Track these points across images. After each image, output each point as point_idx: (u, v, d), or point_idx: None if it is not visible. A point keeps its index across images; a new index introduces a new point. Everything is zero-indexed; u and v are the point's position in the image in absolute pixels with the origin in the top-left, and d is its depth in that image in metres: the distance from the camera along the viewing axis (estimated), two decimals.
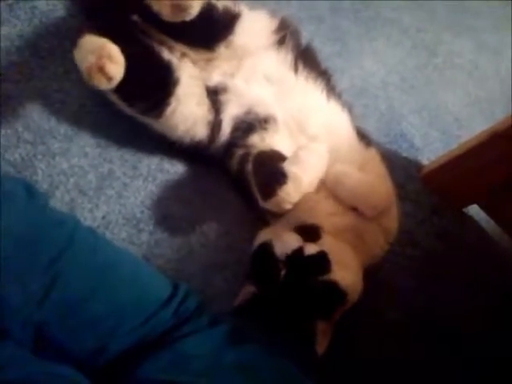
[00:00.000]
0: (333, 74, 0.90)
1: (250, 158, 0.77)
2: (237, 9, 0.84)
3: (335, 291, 0.68)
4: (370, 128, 1.03)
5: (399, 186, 0.99)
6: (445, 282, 0.92)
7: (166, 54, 0.81)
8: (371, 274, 0.76)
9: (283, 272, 0.67)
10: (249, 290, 0.73)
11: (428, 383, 0.82)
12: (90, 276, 0.60)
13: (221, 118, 0.82)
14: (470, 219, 1.01)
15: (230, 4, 0.83)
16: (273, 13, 0.89)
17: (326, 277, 0.67)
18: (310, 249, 0.68)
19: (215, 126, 0.82)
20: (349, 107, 0.87)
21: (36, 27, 0.90)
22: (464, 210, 1.02)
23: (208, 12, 0.78)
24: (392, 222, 0.80)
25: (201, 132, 0.82)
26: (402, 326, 0.85)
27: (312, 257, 0.67)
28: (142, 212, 0.82)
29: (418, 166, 1.03)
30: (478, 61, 1.26)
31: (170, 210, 0.84)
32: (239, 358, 0.62)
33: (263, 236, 0.74)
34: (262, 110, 0.82)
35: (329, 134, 0.81)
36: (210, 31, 0.82)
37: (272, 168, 0.72)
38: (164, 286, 0.68)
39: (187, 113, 0.81)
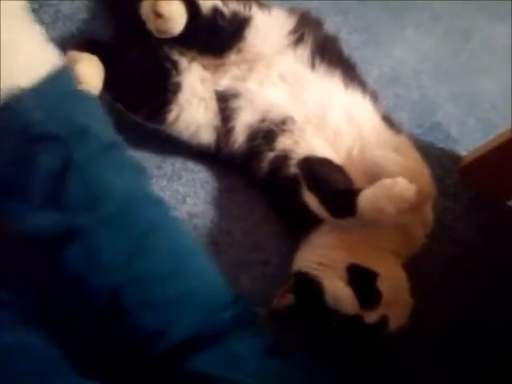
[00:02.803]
0: (360, 64, 0.86)
1: (291, 163, 0.75)
2: (247, 12, 0.78)
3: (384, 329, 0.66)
4: (403, 119, 0.98)
5: (436, 179, 0.93)
6: (487, 280, 0.86)
7: (170, 59, 0.80)
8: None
9: (334, 320, 0.65)
10: (290, 298, 0.70)
11: None
12: (171, 260, 0.60)
13: (232, 125, 0.79)
14: None
15: (239, 8, 0.78)
16: (291, 10, 0.84)
17: (384, 330, 0.66)
18: (370, 318, 0.64)
19: (225, 133, 0.80)
20: (375, 96, 0.82)
21: (60, 30, 0.91)
22: (507, 203, 0.95)
23: (212, 20, 0.75)
24: (429, 212, 0.75)
25: (206, 138, 0.81)
26: (443, 331, 0.80)
27: (372, 325, 0.65)
28: None
29: (455, 157, 0.98)
30: None
31: (195, 209, 0.82)
32: (284, 367, 0.61)
33: (306, 259, 0.71)
34: (276, 114, 0.78)
35: (351, 125, 0.77)
36: (217, 39, 0.78)
37: (338, 183, 0.68)
38: (227, 289, 0.66)
39: (190, 119, 0.79)
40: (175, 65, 0.80)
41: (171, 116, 0.78)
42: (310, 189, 0.69)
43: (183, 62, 0.81)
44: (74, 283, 0.57)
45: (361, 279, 0.66)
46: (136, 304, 0.57)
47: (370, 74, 0.90)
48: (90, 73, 0.71)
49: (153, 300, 0.58)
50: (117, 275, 0.56)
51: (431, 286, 0.81)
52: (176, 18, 0.72)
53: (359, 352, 0.69)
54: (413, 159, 0.74)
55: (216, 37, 0.78)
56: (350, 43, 0.88)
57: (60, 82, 0.55)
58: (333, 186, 0.67)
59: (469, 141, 1.00)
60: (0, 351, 0.51)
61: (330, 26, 0.89)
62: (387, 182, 0.63)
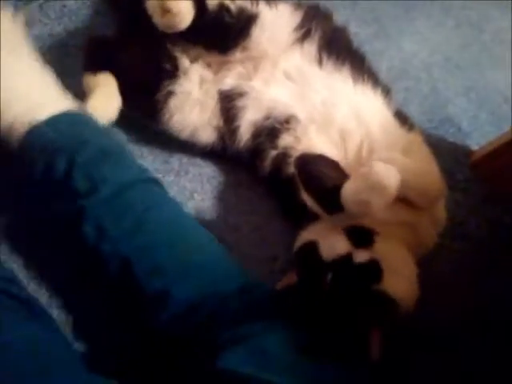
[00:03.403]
0: (369, 57, 0.84)
1: (291, 161, 0.73)
2: (254, 9, 0.77)
3: (385, 302, 0.62)
4: (413, 112, 0.96)
5: (447, 173, 0.91)
6: (500, 276, 0.84)
7: (171, 59, 0.79)
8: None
9: (329, 276, 0.62)
10: (292, 277, 0.69)
11: None
12: (173, 231, 0.68)
13: (238, 123, 0.78)
14: None
15: (246, 4, 0.77)
16: (298, 4, 0.81)
17: (375, 286, 0.62)
18: (361, 256, 0.62)
19: (231, 131, 0.79)
20: (387, 90, 0.80)
21: (66, 25, 0.91)
22: None
23: (219, 16, 0.74)
24: (442, 210, 0.74)
25: (206, 138, 0.81)
26: (454, 327, 0.79)
27: (362, 265, 0.61)
28: None
29: (466, 151, 0.96)
30: None
31: (202, 205, 0.82)
32: (314, 366, 0.60)
33: (307, 235, 0.70)
34: (281, 112, 0.77)
35: (359, 124, 0.74)
36: (223, 36, 0.77)
37: (329, 179, 0.65)
38: (241, 275, 0.69)
39: (186, 121, 0.80)
40: (175, 65, 0.79)
41: (166, 117, 0.79)
42: (304, 187, 0.67)
43: (185, 62, 0.80)
44: (94, 255, 0.67)
45: (356, 231, 0.64)
46: (143, 271, 0.64)
47: (380, 68, 0.88)
48: (103, 106, 0.78)
49: (157, 266, 0.65)
50: (123, 247, 0.65)
51: (441, 282, 0.80)
52: (184, 12, 0.71)
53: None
54: (421, 159, 0.72)
55: (222, 33, 0.77)
56: (358, 36, 0.87)
57: (69, 116, 0.72)
58: (325, 183, 0.64)
59: (480, 135, 0.98)
60: (5, 346, 0.53)
61: (339, 18, 0.87)
62: (364, 171, 0.59)
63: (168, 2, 0.69)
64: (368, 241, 0.64)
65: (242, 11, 0.76)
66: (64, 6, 0.92)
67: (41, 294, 0.72)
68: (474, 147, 0.96)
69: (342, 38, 0.83)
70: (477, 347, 0.78)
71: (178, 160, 0.85)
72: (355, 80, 0.78)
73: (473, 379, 0.75)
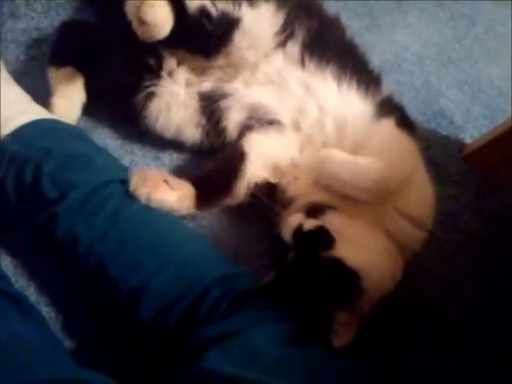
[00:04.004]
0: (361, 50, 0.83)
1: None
2: (236, 12, 0.75)
3: (344, 272, 0.63)
4: (405, 106, 0.93)
5: (440, 167, 0.92)
6: (494, 269, 0.84)
7: (156, 59, 0.78)
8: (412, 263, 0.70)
9: (291, 254, 0.64)
10: (272, 274, 0.70)
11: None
12: (145, 229, 0.68)
13: (224, 124, 0.78)
14: None
15: (228, 8, 0.74)
16: (281, 3, 0.78)
17: (328, 253, 0.63)
18: (309, 223, 0.64)
19: (218, 132, 0.78)
20: (377, 80, 0.79)
21: (53, 19, 0.89)
22: None
23: (199, 24, 0.73)
24: (414, 205, 0.70)
25: (191, 137, 0.80)
26: (448, 320, 0.78)
27: (311, 232, 0.64)
28: None
29: (459, 144, 0.95)
30: None
31: None
32: (308, 360, 0.60)
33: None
34: (264, 114, 0.76)
35: (337, 126, 0.74)
36: (204, 43, 0.76)
37: None
38: (221, 263, 0.69)
39: (169, 121, 0.79)
40: (159, 65, 0.78)
41: (148, 119, 0.79)
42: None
43: (170, 62, 0.79)
44: (70, 258, 0.68)
45: (312, 207, 0.68)
46: (118, 270, 0.65)
47: (372, 61, 0.87)
48: (65, 106, 0.79)
49: (132, 264, 0.65)
50: (97, 248, 0.65)
51: (435, 274, 0.80)
52: (160, 24, 0.69)
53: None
54: (376, 151, 0.69)
55: (202, 41, 0.76)
56: (350, 29, 0.85)
57: (33, 126, 0.72)
58: None
59: (473, 128, 0.98)
60: None
61: (331, 11, 0.85)
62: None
63: (144, 14, 0.67)
64: (319, 212, 0.66)
65: (223, 16, 0.74)
66: (51, 0, 0.90)
67: (29, 293, 0.71)
68: (467, 140, 0.96)
69: (331, 30, 0.81)
70: (466, 336, 0.77)
71: (168, 156, 0.84)
72: (337, 77, 0.76)
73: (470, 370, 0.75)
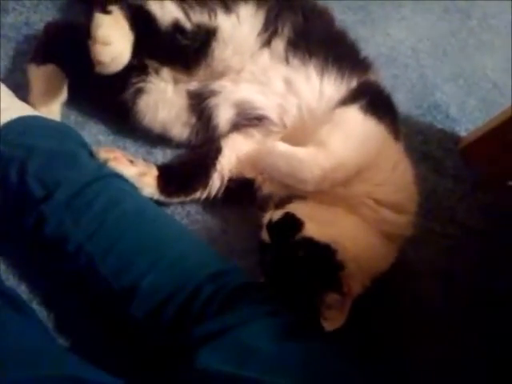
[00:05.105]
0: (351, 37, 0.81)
1: None
2: (212, 22, 0.73)
3: (317, 248, 0.63)
4: (401, 99, 0.95)
5: (436, 160, 0.91)
6: (492, 262, 0.84)
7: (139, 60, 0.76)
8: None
9: (270, 250, 0.66)
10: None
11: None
12: (135, 223, 0.67)
13: (216, 122, 0.77)
14: None
15: (203, 18, 0.73)
16: (258, 3, 0.76)
17: (299, 236, 0.64)
18: (276, 214, 0.66)
19: (210, 130, 0.78)
20: (365, 67, 0.78)
21: (42, 14, 0.88)
22: (509, 183, 0.92)
23: (173, 39, 0.72)
24: (393, 193, 0.69)
25: (177, 135, 0.80)
26: (445, 316, 0.78)
27: (279, 220, 0.65)
28: None
29: (455, 138, 0.95)
30: None
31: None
32: (302, 355, 0.59)
33: None
34: (251, 110, 0.76)
35: (315, 117, 0.74)
36: (182, 56, 0.75)
37: None
38: (213, 260, 0.68)
39: (157, 119, 0.78)
40: (144, 64, 0.77)
41: (137, 115, 0.78)
42: None
43: (154, 63, 0.77)
44: (60, 257, 0.67)
45: (280, 201, 0.70)
46: (108, 269, 0.64)
47: (366, 53, 0.86)
48: (45, 106, 0.77)
49: (122, 263, 0.64)
50: (87, 247, 0.64)
51: (433, 268, 0.79)
52: (115, 62, 0.68)
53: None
54: (320, 142, 0.68)
55: (179, 55, 0.75)
56: (344, 22, 0.84)
57: (15, 125, 0.71)
58: None
59: (469, 121, 0.97)
60: None
61: (324, 5, 0.84)
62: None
63: (97, 56, 0.66)
64: (285, 203, 0.68)
65: (199, 27, 0.72)
66: None
67: (20, 292, 0.69)
68: (463, 133, 0.96)
69: (317, 23, 0.79)
70: (463, 331, 0.77)
71: (161, 151, 0.83)
72: (320, 71, 0.75)
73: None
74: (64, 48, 0.76)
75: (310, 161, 0.66)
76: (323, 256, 0.64)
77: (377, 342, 0.68)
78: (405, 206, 0.70)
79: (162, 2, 0.72)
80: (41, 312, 0.69)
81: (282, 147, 0.69)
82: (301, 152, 0.67)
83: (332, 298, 0.63)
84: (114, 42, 0.67)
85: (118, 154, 0.74)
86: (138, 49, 0.72)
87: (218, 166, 0.75)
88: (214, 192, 0.76)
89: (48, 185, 0.65)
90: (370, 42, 1.00)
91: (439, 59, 1.04)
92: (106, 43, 0.66)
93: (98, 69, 0.67)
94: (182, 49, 0.74)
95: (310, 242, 0.64)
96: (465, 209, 0.87)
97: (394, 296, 0.67)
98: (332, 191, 0.68)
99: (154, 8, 0.72)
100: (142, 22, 0.71)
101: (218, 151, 0.76)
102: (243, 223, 0.79)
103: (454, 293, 0.80)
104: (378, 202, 0.68)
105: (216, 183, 0.76)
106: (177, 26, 0.72)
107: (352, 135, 0.68)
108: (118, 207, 0.66)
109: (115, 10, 0.69)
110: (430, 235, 0.78)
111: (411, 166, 0.73)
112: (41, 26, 0.86)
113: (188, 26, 0.72)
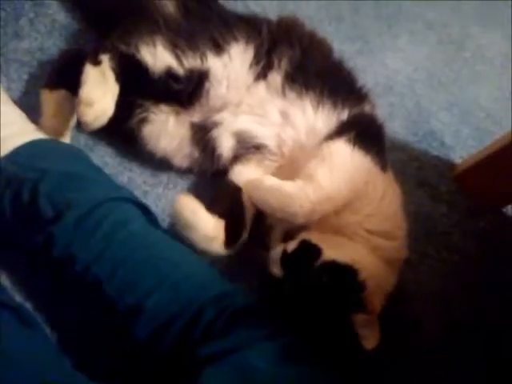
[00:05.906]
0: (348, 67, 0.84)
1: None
2: (204, 65, 0.75)
3: (341, 270, 0.65)
4: (398, 127, 0.99)
5: (431, 186, 0.94)
6: (486, 286, 0.86)
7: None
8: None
9: (286, 284, 0.65)
10: None
11: None
12: (142, 245, 0.68)
13: (219, 152, 0.79)
14: (509, 220, 0.95)
15: (195, 63, 0.75)
16: (249, 37, 0.78)
17: (319, 261, 0.65)
18: (291, 245, 0.67)
19: (213, 160, 0.80)
20: (361, 97, 0.80)
21: (56, 40, 0.91)
22: (503, 209, 0.95)
23: (165, 84, 0.75)
24: (382, 222, 0.71)
25: (178, 165, 0.82)
26: (441, 338, 0.79)
27: (296, 250, 0.66)
28: (163, 220, 0.80)
29: (450, 165, 0.98)
30: (510, 53, 1.20)
31: None
32: (303, 378, 0.61)
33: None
34: (250, 139, 0.78)
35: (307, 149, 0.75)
36: (176, 99, 0.78)
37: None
38: (215, 282, 0.69)
39: (155, 150, 0.81)
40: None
41: (141, 143, 0.81)
42: None
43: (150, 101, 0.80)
44: (67, 277, 0.69)
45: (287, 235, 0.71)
46: (114, 289, 0.65)
47: (364, 82, 0.90)
48: (56, 126, 0.79)
49: (128, 283, 0.65)
50: (94, 268, 0.66)
51: (427, 291, 0.81)
52: (98, 121, 0.71)
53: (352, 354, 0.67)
54: (309, 175, 0.69)
55: (173, 98, 0.77)
56: (343, 52, 0.88)
57: (29, 147, 0.73)
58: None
59: (463, 148, 1.01)
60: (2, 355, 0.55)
61: (323, 35, 0.87)
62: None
63: (81, 115, 0.69)
64: (294, 235, 0.69)
65: (191, 73, 0.75)
66: (54, 21, 0.93)
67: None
68: (457, 161, 0.99)
69: (314, 55, 0.81)
70: (460, 352, 0.79)
71: (166, 173, 0.85)
72: (315, 103, 0.76)
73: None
74: (76, 74, 0.79)
75: (299, 194, 0.67)
76: (347, 277, 0.65)
77: (372, 365, 0.69)
78: (395, 233, 0.73)
79: (153, 50, 0.74)
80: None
81: (269, 181, 0.70)
82: (289, 186, 0.68)
83: (361, 317, 0.64)
84: (96, 101, 0.70)
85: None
86: (132, 91, 0.75)
87: (247, 203, 0.74)
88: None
89: (58, 206, 0.67)
90: (368, 71, 1.04)
91: (434, 88, 1.08)
92: (88, 104, 0.69)
93: (83, 127, 0.72)
94: (176, 93, 0.77)
95: (333, 266, 0.64)
96: (459, 234, 0.90)
97: (390, 319, 0.68)
98: (327, 222, 0.69)
99: (146, 57, 0.74)
100: (133, 71, 0.74)
101: (238, 190, 0.75)
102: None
103: (449, 316, 0.82)
104: (369, 231, 0.70)
105: (251, 217, 0.75)
106: (169, 74, 0.75)
107: (339, 168, 0.69)
108: (124, 228, 0.68)
109: (104, 61, 0.72)
110: (425, 259, 0.81)
111: (399, 191, 0.75)
112: (54, 51, 0.90)
113: (181, 71, 0.75)
